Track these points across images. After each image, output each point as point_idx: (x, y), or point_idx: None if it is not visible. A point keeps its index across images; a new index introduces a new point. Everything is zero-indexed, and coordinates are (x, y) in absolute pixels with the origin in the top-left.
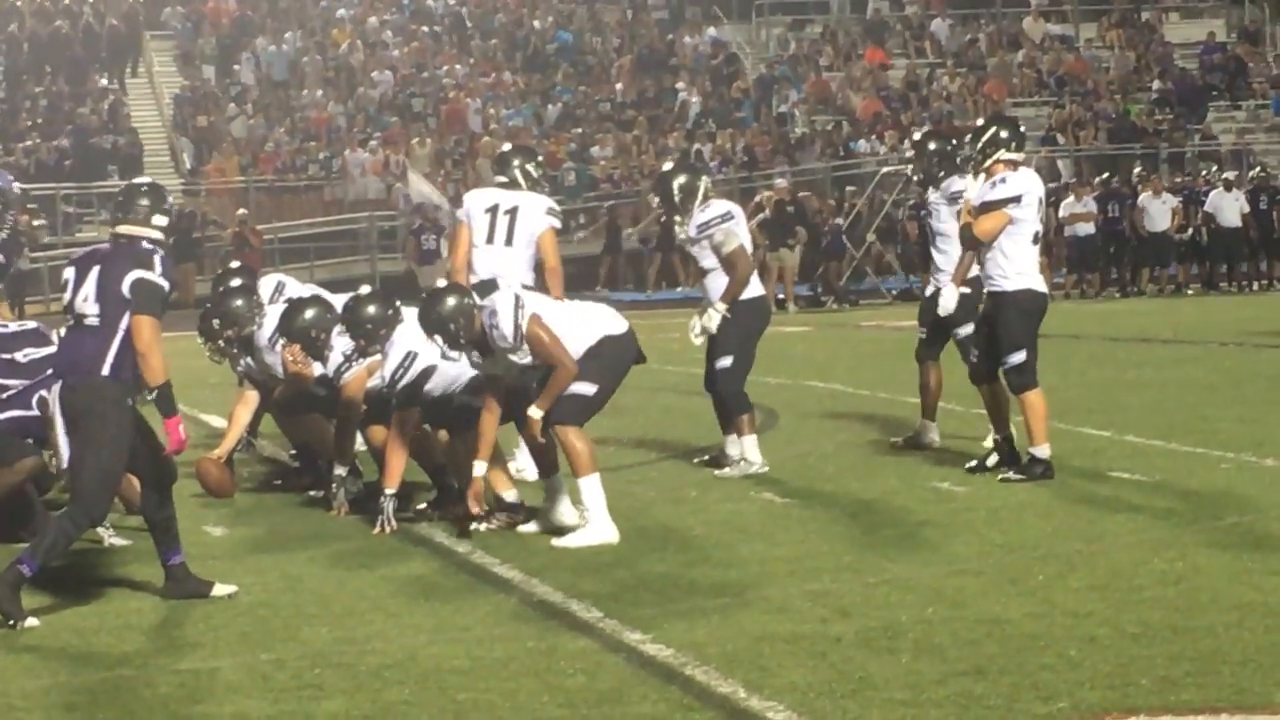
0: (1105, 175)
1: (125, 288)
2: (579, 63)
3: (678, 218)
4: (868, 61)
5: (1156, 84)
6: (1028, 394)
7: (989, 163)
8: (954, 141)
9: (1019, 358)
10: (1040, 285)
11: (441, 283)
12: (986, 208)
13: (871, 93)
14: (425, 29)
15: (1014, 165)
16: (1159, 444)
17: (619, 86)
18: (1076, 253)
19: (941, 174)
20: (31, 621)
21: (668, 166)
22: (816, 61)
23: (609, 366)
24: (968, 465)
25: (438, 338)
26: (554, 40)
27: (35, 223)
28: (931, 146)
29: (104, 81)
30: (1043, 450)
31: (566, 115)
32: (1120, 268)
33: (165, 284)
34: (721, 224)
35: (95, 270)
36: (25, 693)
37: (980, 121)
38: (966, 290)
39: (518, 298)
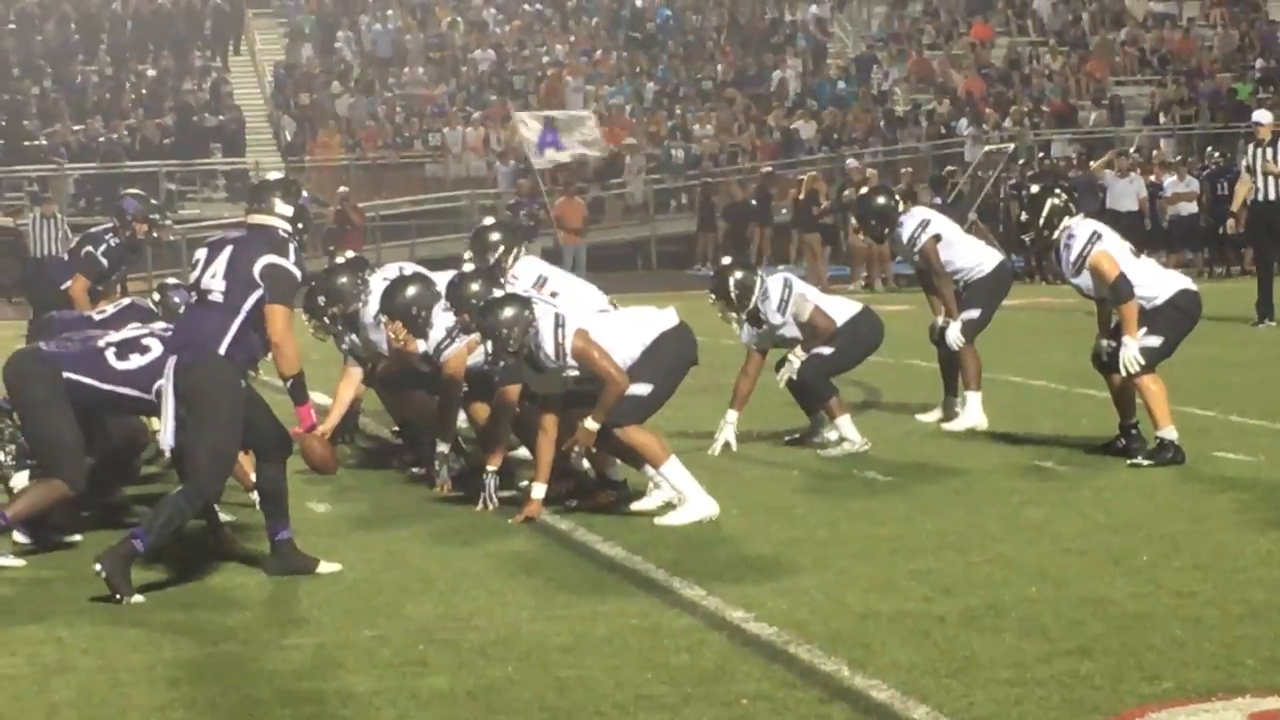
0: (1213, 153)
1: (256, 270)
2: (680, 40)
3: (733, 314)
4: (972, 37)
5: (1260, 62)
6: (1144, 378)
7: (1058, 233)
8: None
9: (1152, 341)
10: (1190, 284)
11: (499, 292)
12: (1081, 263)
13: (973, 71)
14: (527, 6)
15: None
16: (1264, 424)
17: (719, 68)
18: (1179, 232)
19: None
20: (137, 598)
21: (725, 261)
22: (918, 39)
23: (665, 364)
24: (1092, 449)
25: (489, 344)
26: (655, 18)
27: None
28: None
29: (206, 59)
30: (1168, 432)
31: (666, 93)
32: (1225, 246)
33: (298, 272)
34: (790, 298)
35: (227, 250)
36: (130, 667)
37: (1034, 189)
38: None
39: (558, 316)
